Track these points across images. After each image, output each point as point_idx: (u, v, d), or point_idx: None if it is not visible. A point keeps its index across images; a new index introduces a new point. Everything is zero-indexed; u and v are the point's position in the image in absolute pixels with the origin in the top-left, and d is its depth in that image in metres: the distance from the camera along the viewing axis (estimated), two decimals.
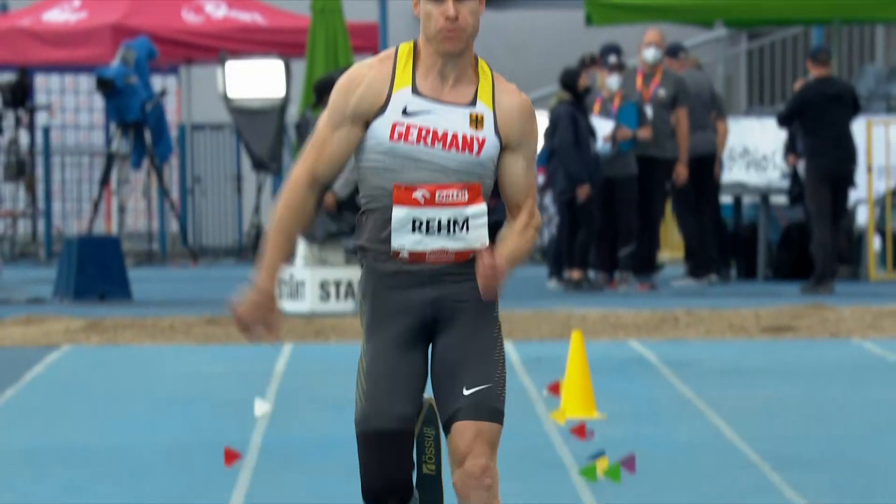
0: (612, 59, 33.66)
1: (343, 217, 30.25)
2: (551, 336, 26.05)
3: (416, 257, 7.73)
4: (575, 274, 33.31)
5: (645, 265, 34.22)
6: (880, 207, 35.59)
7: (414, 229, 7.70)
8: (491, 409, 7.90)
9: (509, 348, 26.41)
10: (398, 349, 7.89)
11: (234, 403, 19.89)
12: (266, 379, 21.75)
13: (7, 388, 21.12)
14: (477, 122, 7.62)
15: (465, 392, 7.88)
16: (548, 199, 34.73)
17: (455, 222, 7.69)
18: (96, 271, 33.91)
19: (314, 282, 31.77)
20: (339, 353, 24.86)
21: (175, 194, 50.76)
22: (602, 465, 15.38)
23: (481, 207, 7.74)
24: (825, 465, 15.64)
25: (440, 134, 7.61)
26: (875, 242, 35.95)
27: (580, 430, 17.77)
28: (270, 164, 47.69)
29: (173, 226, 51.46)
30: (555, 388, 20.08)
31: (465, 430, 7.85)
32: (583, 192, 32.52)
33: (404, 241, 7.70)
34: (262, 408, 18.94)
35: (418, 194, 7.68)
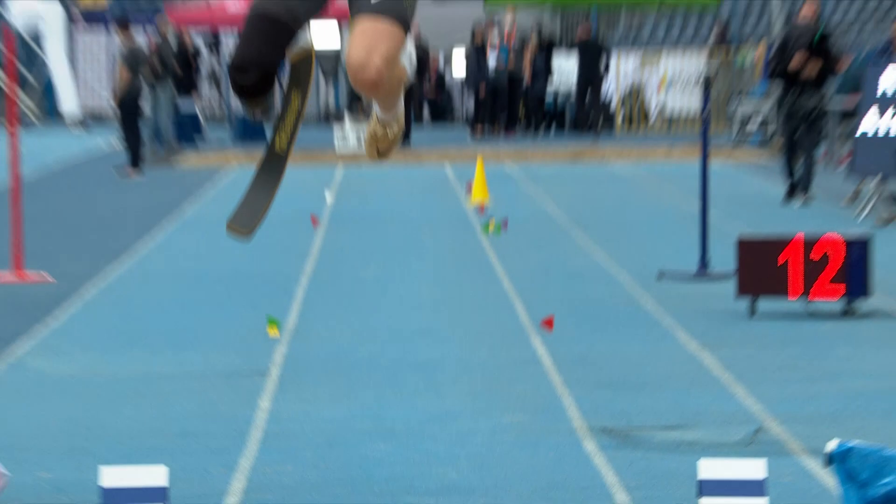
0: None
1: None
2: (470, 161, 36.41)
3: None
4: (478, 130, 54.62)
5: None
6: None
7: None
8: (394, 11, 7.78)
9: (448, 169, 40.96)
10: None
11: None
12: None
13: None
14: None
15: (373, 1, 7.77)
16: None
17: None
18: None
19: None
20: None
21: None
22: (491, 224, 26.90)
23: None
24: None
25: None
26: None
27: (480, 208, 30.80)
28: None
29: None
30: (468, 187, 33.31)
31: (361, 22, 7.75)
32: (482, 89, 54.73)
33: None
34: (329, 197, 32.87)
35: None
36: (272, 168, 8.10)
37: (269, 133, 8.05)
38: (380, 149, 8.30)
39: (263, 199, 8.16)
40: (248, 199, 8.09)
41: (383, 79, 7.74)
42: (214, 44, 60.68)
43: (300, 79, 8.12)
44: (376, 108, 8.22)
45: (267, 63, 7.80)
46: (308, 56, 8.15)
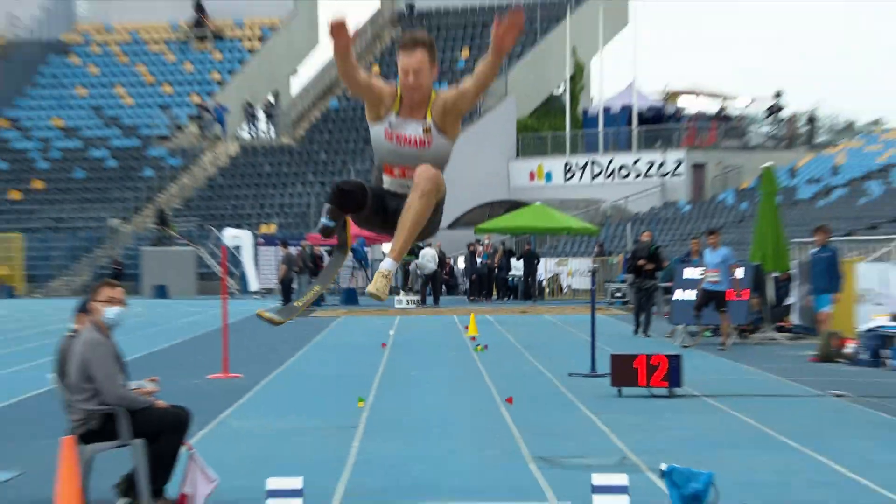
0: None
1: None
2: (467, 313, 25.59)
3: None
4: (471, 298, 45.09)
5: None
6: None
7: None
8: (436, 164, 7.50)
9: (455, 318, 30.07)
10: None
11: None
12: None
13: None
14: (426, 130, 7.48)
15: None
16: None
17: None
18: None
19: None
20: None
21: None
22: (479, 347, 25.79)
23: None
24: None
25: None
26: None
27: (473, 338, 29.59)
28: None
29: None
30: (466, 327, 31.47)
31: (423, 164, 7.45)
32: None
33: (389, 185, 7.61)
34: (391, 333, 30.99)
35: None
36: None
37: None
38: (383, 290, 7.40)
39: (294, 311, 8.11)
40: (287, 308, 8.02)
41: (439, 181, 7.35)
42: (329, 253, 60.00)
43: (338, 254, 7.81)
44: (388, 264, 7.42)
45: (359, 195, 7.43)
46: (344, 245, 7.79)
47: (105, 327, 10.88)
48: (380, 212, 7.55)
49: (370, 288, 7.33)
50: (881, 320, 24.49)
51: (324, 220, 7.24)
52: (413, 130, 7.39)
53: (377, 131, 7.65)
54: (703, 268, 28.01)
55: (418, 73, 7.22)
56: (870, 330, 24.36)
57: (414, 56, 7.22)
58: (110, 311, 10.82)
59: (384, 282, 7.29)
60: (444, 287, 50.51)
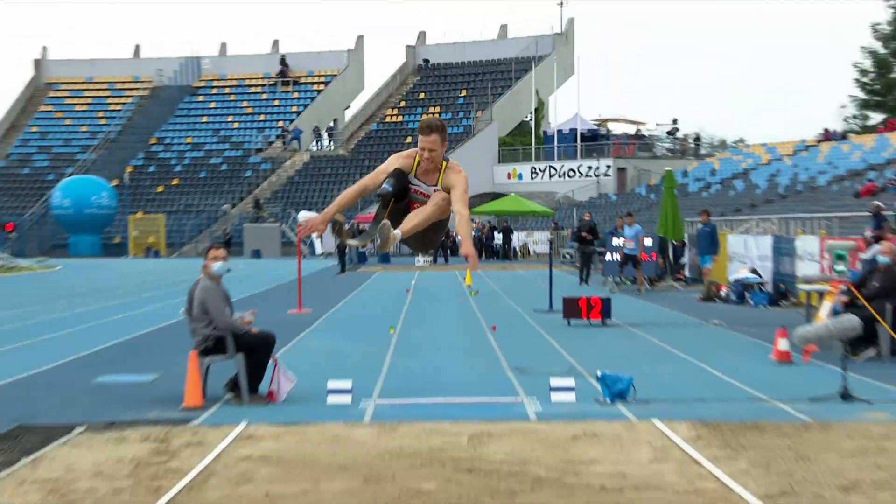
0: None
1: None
2: (465, 268, 25.59)
3: None
4: None
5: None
6: None
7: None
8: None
9: (457, 273, 29.81)
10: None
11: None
12: None
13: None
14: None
15: None
16: None
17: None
18: None
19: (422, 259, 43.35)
20: None
21: None
22: (473, 292, 23.31)
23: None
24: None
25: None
26: None
27: (468, 286, 28.29)
28: None
29: None
30: (464, 278, 30.09)
31: (439, 192, 6.70)
32: None
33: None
34: (413, 282, 29.07)
35: None
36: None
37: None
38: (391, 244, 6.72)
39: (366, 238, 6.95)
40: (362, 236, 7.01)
41: (447, 206, 6.74)
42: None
43: (374, 224, 6.83)
44: (398, 233, 6.72)
45: (397, 193, 6.71)
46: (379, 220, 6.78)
47: (214, 277, 10.90)
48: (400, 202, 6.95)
49: (378, 248, 6.89)
50: (744, 273, 24.68)
51: (387, 188, 6.69)
52: (426, 189, 6.80)
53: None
54: (624, 238, 28.09)
55: (432, 151, 6.65)
56: (737, 280, 24.51)
57: (429, 138, 6.66)
58: (216, 265, 10.88)
59: (392, 240, 6.70)
60: (449, 251, 50.23)
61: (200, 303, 10.73)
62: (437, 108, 72.02)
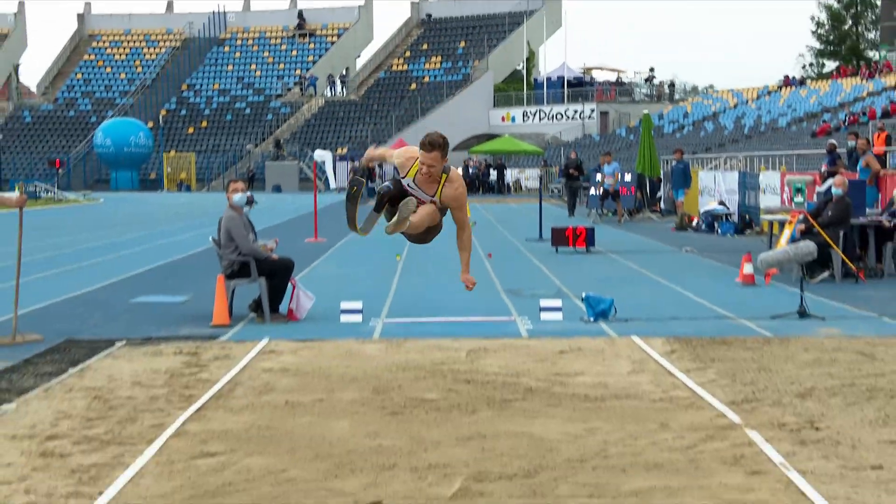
0: None
1: None
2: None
3: None
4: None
5: None
6: None
7: None
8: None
9: None
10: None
11: None
12: None
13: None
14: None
15: None
16: None
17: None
18: None
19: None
20: None
21: None
22: (472, 223, 19.55)
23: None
24: None
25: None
26: None
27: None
28: None
29: None
30: None
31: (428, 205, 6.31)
32: None
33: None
34: None
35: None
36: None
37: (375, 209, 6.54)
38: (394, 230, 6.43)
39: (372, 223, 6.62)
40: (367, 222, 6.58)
41: (438, 217, 6.45)
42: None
43: (374, 213, 6.50)
44: (391, 226, 6.43)
45: (392, 197, 6.33)
46: (379, 211, 6.49)
47: (236, 207, 10.79)
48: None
49: (388, 229, 6.57)
50: (713, 205, 24.57)
51: (388, 186, 6.24)
52: (422, 196, 6.30)
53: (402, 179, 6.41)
54: (603, 175, 27.98)
55: (431, 167, 6.19)
56: (707, 211, 24.38)
57: (430, 155, 6.17)
58: (236, 196, 10.75)
59: (393, 228, 6.35)
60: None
61: (226, 231, 10.67)
62: (439, 58, 71.38)
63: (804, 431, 5.87)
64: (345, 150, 61.24)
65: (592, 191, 29.73)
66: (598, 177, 28.79)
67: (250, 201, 11.42)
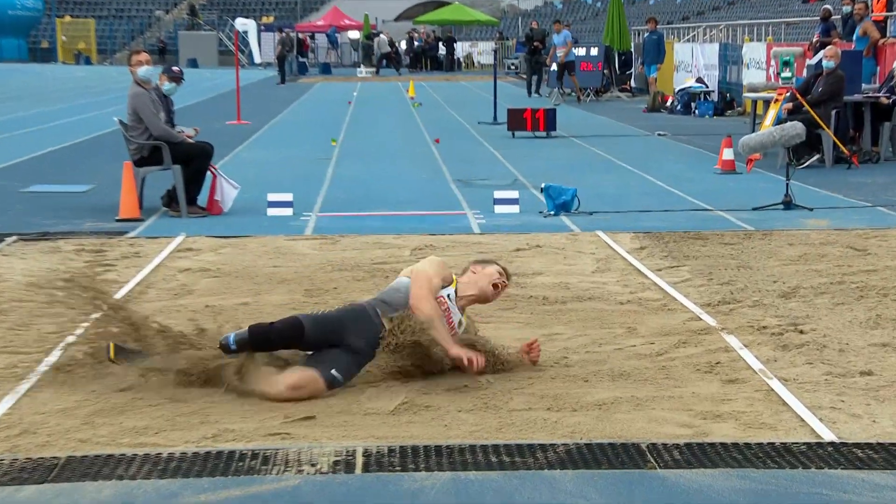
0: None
1: None
2: (408, 81, 28.21)
3: None
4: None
5: None
6: None
7: None
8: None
9: (400, 84, 31.85)
10: None
11: None
12: None
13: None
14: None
15: None
16: None
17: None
18: None
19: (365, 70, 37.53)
20: None
21: None
22: (416, 104, 24.25)
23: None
24: None
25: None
26: None
27: (412, 97, 27.54)
28: None
29: None
30: (408, 90, 28.90)
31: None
32: None
33: None
34: (355, 94, 23.36)
35: None
36: None
37: None
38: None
39: None
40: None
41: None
42: (311, 38, 58.18)
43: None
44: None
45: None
46: None
47: (143, 82, 10.58)
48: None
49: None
50: (690, 82, 24.67)
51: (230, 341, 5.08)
52: (456, 317, 5.41)
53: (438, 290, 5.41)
54: (553, 46, 27.93)
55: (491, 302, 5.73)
56: (682, 89, 24.49)
57: (500, 294, 5.64)
58: (141, 70, 10.50)
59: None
60: (386, 61, 49.26)
61: (133, 110, 10.49)
62: None
63: (787, 335, 5.91)
64: (272, 19, 60.30)
65: (554, 66, 29.61)
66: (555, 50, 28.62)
67: (177, 78, 11.19)
